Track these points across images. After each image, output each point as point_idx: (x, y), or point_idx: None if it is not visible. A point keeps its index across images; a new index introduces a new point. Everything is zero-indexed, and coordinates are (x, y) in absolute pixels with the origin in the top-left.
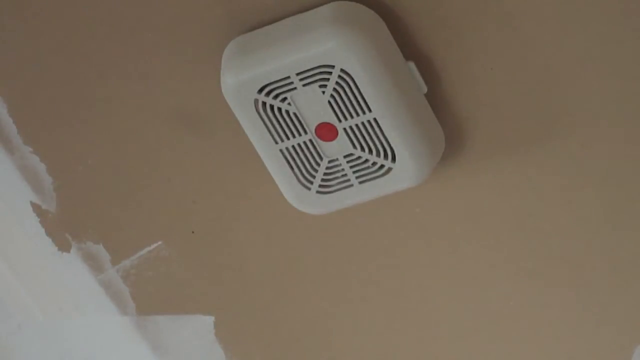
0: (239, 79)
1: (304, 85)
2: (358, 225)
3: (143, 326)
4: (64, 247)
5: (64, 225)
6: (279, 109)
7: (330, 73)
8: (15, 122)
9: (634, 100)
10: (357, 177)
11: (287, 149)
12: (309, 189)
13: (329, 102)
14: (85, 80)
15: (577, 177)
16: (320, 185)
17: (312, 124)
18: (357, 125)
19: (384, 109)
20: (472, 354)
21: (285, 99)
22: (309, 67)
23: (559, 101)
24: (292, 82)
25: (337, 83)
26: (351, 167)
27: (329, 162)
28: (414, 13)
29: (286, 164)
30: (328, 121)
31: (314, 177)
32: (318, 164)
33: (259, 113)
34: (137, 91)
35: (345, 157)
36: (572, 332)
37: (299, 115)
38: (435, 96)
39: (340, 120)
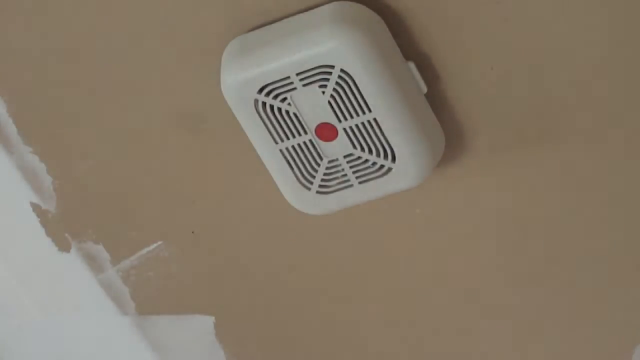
0: (238, 79)
1: (304, 85)
2: (358, 225)
3: (143, 326)
4: (63, 247)
5: (64, 225)
6: (279, 109)
7: (330, 73)
8: (15, 122)
9: (634, 100)
10: (357, 177)
11: (287, 149)
12: (309, 189)
13: (329, 102)
14: (85, 80)
15: (577, 177)
16: (320, 186)
17: (312, 124)
18: (357, 125)
19: (384, 109)
20: (472, 354)
21: (285, 99)
22: (309, 67)
23: (559, 101)
24: (292, 82)
25: (337, 83)
26: (351, 167)
27: (329, 162)
28: (414, 13)
29: (286, 164)
30: (328, 121)
31: (313, 177)
32: (318, 164)
33: (258, 113)
34: (137, 91)
35: (345, 157)
36: (572, 333)
37: (298, 116)
38: (435, 96)
39: (340, 121)
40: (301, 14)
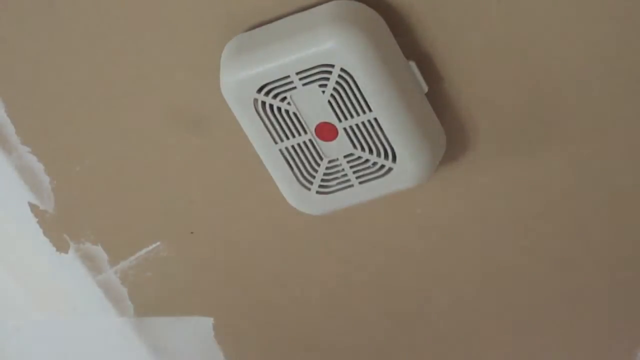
0: (238, 78)
1: (303, 84)
2: (358, 225)
3: (141, 328)
4: (62, 247)
5: (62, 226)
6: (279, 109)
7: (330, 72)
8: (14, 122)
9: (634, 100)
10: (357, 177)
11: (286, 148)
12: (309, 189)
13: (329, 101)
14: (84, 80)
15: (577, 177)
16: (320, 186)
17: (312, 123)
18: (357, 125)
19: (385, 109)
20: (472, 354)
21: (284, 98)
22: (308, 67)
23: (559, 101)
24: (291, 82)
25: (337, 82)
26: (351, 167)
27: (329, 162)
28: (414, 12)
29: (286, 164)
30: (328, 121)
31: (313, 177)
32: (318, 164)
33: (258, 112)
34: (137, 91)
35: (345, 157)
36: (573, 335)
37: (298, 115)
38: (436, 95)
39: (340, 120)
40: (301, 13)
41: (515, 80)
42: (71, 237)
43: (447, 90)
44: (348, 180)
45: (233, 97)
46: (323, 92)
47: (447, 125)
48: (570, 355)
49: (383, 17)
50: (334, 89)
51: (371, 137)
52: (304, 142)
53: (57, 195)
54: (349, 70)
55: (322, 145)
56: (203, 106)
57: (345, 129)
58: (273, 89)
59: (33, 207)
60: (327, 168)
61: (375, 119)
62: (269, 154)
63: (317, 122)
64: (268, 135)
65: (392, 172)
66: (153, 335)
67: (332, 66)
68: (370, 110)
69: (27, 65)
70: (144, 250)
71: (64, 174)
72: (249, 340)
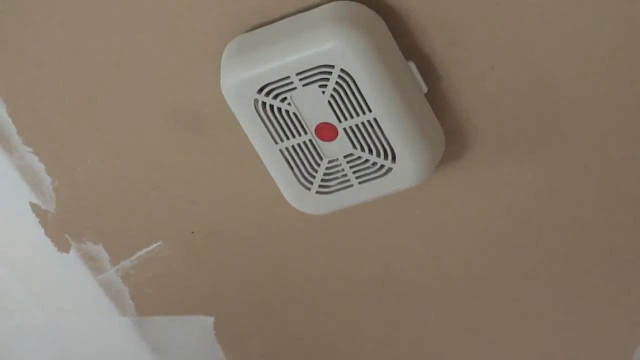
0: (238, 78)
1: (304, 85)
2: (358, 225)
3: (142, 327)
4: (63, 247)
5: (64, 226)
6: (279, 109)
7: (330, 73)
8: (15, 122)
9: (634, 100)
10: (357, 177)
11: (286, 149)
12: (309, 189)
13: (329, 102)
14: (85, 80)
15: (577, 177)
16: (320, 186)
17: (312, 124)
18: (357, 125)
19: (384, 109)
20: (472, 354)
21: (285, 98)
22: (309, 67)
23: (559, 101)
24: (292, 82)
25: (337, 83)
26: (351, 167)
27: (329, 162)
28: (414, 13)
29: (286, 164)
30: (328, 121)
31: (313, 177)
32: (318, 164)
33: (258, 113)
34: (137, 91)
35: (345, 157)
36: (573, 334)
37: (298, 115)
38: (436, 96)
39: (340, 120)
40: (301, 14)
41: (515, 80)
42: (72, 237)
43: (447, 91)
44: (348, 180)
45: (233, 98)
46: (323, 92)
47: (447, 126)
48: (570, 355)
49: (383, 18)
50: (334, 89)
51: (371, 137)
52: (304, 142)
53: (58, 195)
54: (348, 71)
55: (322, 145)
56: (203, 106)
57: (345, 129)
58: (273, 89)
59: (34, 207)
60: (327, 168)
61: (375, 119)
62: (269, 154)
63: (317, 123)
64: (268, 135)
65: (391, 172)
66: (153, 334)
67: (332, 67)
68: (370, 110)
69: (27, 65)
70: (144, 250)
71: (65, 174)
72: (249, 340)
